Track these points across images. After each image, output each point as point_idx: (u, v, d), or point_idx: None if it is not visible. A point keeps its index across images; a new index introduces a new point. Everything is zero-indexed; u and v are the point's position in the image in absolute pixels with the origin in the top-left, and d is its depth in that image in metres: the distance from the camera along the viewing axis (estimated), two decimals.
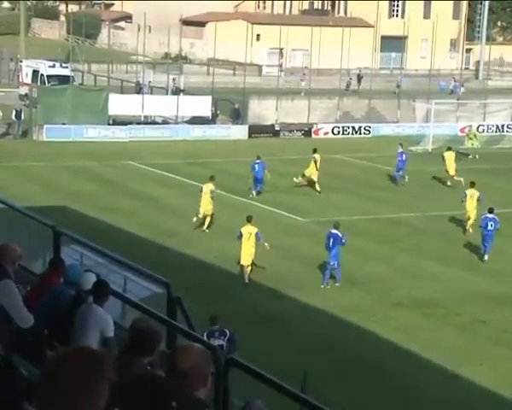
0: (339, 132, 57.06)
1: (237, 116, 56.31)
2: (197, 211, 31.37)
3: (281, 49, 76.23)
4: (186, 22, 74.31)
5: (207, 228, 31.44)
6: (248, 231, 26.21)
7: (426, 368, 20.54)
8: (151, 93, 58.84)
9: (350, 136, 56.96)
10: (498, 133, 59.24)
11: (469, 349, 21.91)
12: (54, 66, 59.13)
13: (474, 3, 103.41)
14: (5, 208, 14.48)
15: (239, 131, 54.62)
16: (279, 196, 37.31)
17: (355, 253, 28.05)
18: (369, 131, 57.57)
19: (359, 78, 76.92)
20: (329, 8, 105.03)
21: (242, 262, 26.22)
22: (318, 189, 38.58)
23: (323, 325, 22.96)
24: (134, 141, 50.58)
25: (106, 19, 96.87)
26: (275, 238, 29.57)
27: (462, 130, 56.62)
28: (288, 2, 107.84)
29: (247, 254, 26.07)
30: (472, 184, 33.35)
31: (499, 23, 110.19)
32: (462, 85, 74.90)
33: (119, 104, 52.39)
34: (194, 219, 31.32)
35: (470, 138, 51.21)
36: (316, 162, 38.68)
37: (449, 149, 42.60)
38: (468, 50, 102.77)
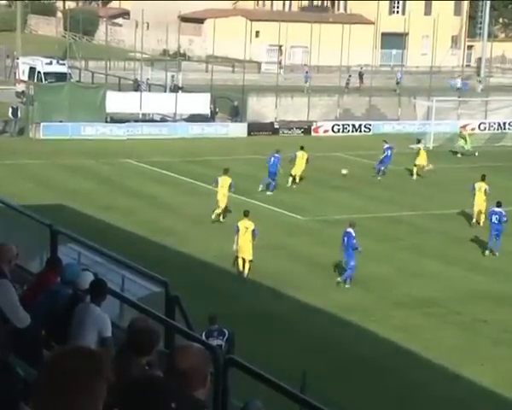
0: (339, 130, 56.81)
1: (236, 114, 56.15)
2: (216, 205, 31.67)
3: (280, 46, 76.21)
4: (184, 19, 74.02)
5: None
6: (245, 225, 26.19)
7: (426, 368, 20.47)
8: (149, 90, 58.69)
9: (350, 134, 56.75)
10: (500, 131, 59.09)
11: (470, 349, 21.85)
12: (51, 63, 58.91)
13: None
14: (2, 207, 14.40)
15: (238, 129, 54.47)
16: (279, 194, 37.27)
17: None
18: (370, 129, 57.29)
19: (361, 75, 76.72)
20: (329, 4, 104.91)
21: (243, 256, 26.11)
22: (292, 184, 38.85)
23: (323, 324, 22.87)
24: (132, 139, 50.44)
25: (103, 15, 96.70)
26: (275, 237, 29.52)
27: (461, 128, 56.48)
28: None
29: (246, 249, 25.99)
30: (483, 177, 33.63)
31: (501, 20, 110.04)
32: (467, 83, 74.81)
33: (117, 102, 52.18)
34: (213, 215, 31.68)
35: (462, 138, 51.14)
36: (295, 158, 39.16)
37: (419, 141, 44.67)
38: (470, 47, 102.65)
